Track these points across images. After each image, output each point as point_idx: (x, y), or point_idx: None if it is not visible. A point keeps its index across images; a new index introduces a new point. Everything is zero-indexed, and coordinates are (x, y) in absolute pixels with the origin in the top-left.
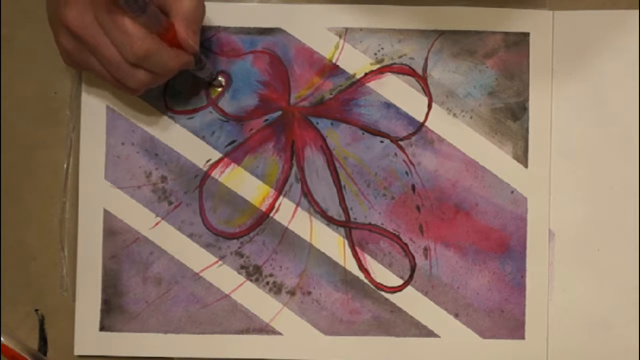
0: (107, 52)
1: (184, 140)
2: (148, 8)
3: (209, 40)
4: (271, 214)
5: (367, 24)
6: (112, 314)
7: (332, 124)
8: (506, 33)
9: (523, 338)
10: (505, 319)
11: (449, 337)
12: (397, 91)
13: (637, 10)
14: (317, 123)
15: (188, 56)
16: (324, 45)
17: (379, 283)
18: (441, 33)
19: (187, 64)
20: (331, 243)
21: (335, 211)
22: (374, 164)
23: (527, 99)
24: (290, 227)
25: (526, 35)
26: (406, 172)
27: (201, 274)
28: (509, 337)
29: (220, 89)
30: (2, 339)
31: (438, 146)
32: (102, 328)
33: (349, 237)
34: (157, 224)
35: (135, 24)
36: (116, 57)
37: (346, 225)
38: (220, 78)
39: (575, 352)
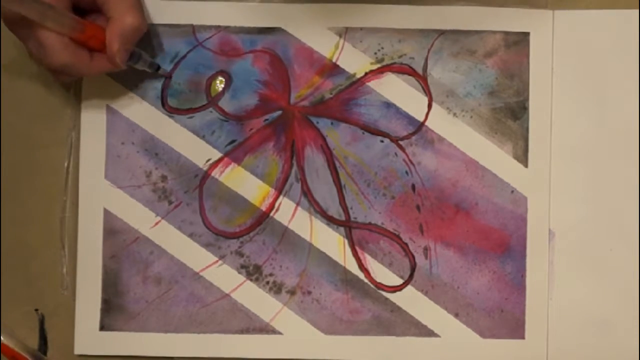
0: (30, 51)
1: (184, 139)
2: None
3: (209, 40)
4: (271, 214)
5: (367, 23)
6: (112, 313)
7: (332, 123)
8: (506, 33)
9: (523, 338)
10: (505, 318)
11: (449, 337)
12: (397, 91)
13: (637, 10)
14: (317, 122)
15: (112, 63)
16: (324, 45)
17: (379, 283)
18: (441, 33)
19: (112, 69)
20: (331, 243)
21: (335, 211)
22: (374, 163)
23: (527, 99)
24: (290, 227)
25: (526, 35)
26: (406, 172)
27: (201, 274)
28: (509, 337)
29: (221, 88)
30: (2, 338)
31: (438, 146)
32: (102, 327)
33: (349, 237)
34: (157, 223)
35: (53, 36)
36: (40, 60)
37: (346, 225)
38: (220, 78)
39: (575, 352)
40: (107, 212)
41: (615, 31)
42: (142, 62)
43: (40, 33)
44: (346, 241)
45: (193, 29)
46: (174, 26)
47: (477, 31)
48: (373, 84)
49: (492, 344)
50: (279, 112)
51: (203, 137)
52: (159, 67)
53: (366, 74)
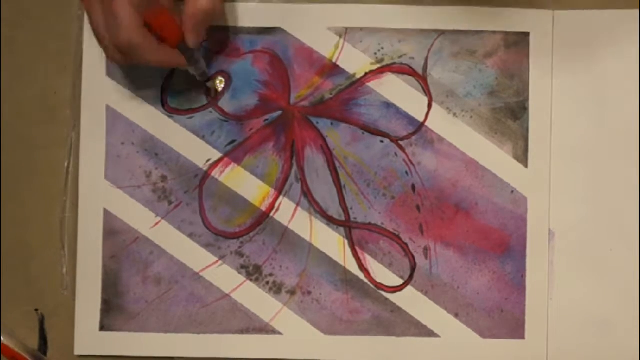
0: (96, 22)
1: (184, 140)
2: None
3: (209, 41)
4: (271, 214)
5: (367, 23)
6: (112, 313)
7: (332, 123)
8: (506, 33)
9: (523, 338)
10: (505, 318)
11: (449, 337)
12: (397, 91)
13: (637, 10)
14: (317, 123)
15: (175, 58)
16: (324, 45)
17: (379, 283)
18: (441, 33)
19: (175, 64)
20: (331, 243)
21: (335, 211)
22: (374, 163)
23: (527, 99)
24: (290, 227)
25: (526, 35)
26: (406, 172)
27: (201, 274)
28: (509, 337)
29: (221, 88)
30: (2, 338)
31: (438, 146)
32: (102, 328)
33: (349, 237)
34: (157, 223)
35: (129, 9)
36: (102, 30)
37: (346, 225)
38: (220, 78)
39: (575, 352)
40: (107, 213)
41: (615, 31)
42: (197, 66)
43: (119, 5)
44: (346, 241)
45: None
46: None
47: (477, 31)
48: (373, 84)
49: (492, 344)
50: (279, 113)
51: (203, 137)
52: (208, 79)
53: (366, 74)
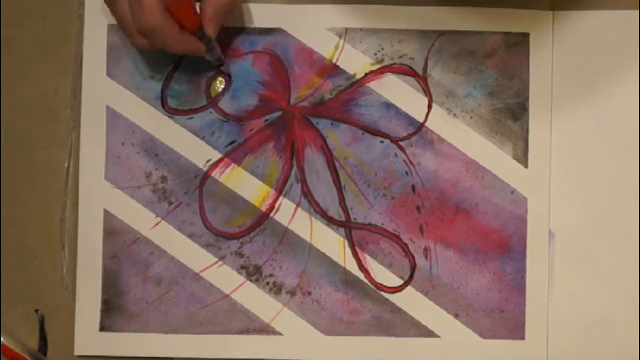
0: (121, 9)
1: (184, 140)
2: None
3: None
4: (271, 214)
5: (367, 24)
6: (112, 314)
7: (332, 124)
8: (506, 33)
9: (523, 338)
10: (505, 319)
11: (449, 337)
12: (397, 91)
13: (637, 10)
14: (317, 123)
15: (194, 44)
16: (324, 46)
17: (379, 283)
18: (441, 33)
19: (194, 51)
20: (331, 243)
21: (335, 211)
22: (374, 164)
23: (527, 99)
24: (290, 227)
25: (526, 35)
26: (406, 172)
27: (201, 274)
28: (509, 337)
29: (221, 89)
30: (2, 339)
31: (438, 146)
32: (102, 328)
33: (349, 237)
34: (157, 224)
35: None
36: (127, 17)
37: (346, 226)
38: (220, 79)
39: (575, 352)
40: (107, 213)
41: (615, 31)
42: (213, 52)
43: None
44: (346, 242)
45: None
46: None
47: (477, 32)
48: (373, 84)
49: (492, 345)
50: (279, 113)
51: (203, 138)
52: (222, 64)
53: (366, 74)
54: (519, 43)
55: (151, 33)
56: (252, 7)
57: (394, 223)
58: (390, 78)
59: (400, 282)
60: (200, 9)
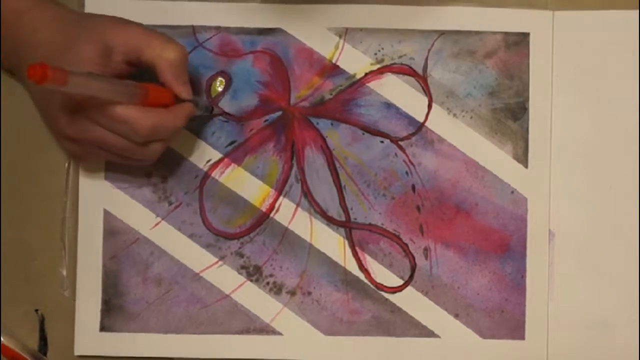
0: (114, 142)
1: (184, 140)
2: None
3: (209, 41)
4: (271, 214)
5: (367, 24)
6: (113, 314)
7: (332, 124)
8: (506, 33)
9: (523, 338)
10: (505, 319)
11: (449, 337)
12: (397, 91)
13: (637, 10)
14: (317, 123)
15: (186, 107)
16: (324, 46)
17: (379, 283)
18: (441, 33)
19: (190, 113)
20: (331, 243)
21: (335, 211)
22: (374, 164)
23: (527, 99)
24: (291, 227)
25: (526, 35)
26: (406, 172)
27: (201, 274)
28: (509, 337)
29: (221, 89)
30: (2, 339)
31: (438, 146)
32: (103, 328)
33: (349, 237)
34: (157, 224)
35: (127, 107)
36: (124, 143)
37: (346, 226)
38: (220, 79)
39: (575, 352)
40: (107, 213)
41: (615, 31)
42: (199, 106)
43: (118, 110)
44: (346, 242)
45: (193, 30)
46: (174, 27)
47: (477, 32)
48: (373, 84)
49: (492, 345)
50: (279, 113)
51: (203, 138)
52: (212, 109)
53: (366, 74)
54: (519, 43)
55: (154, 132)
56: (252, 7)
57: (394, 223)
58: (390, 78)
59: (400, 282)
60: (160, 81)
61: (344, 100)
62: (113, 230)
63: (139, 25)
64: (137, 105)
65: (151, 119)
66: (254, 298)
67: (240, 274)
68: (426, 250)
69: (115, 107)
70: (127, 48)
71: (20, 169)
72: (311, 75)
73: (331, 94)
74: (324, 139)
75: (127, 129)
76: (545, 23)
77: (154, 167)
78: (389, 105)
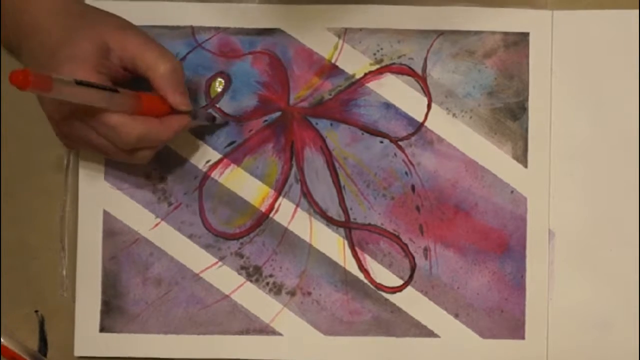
0: (102, 145)
1: (183, 141)
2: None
3: (209, 42)
4: (271, 215)
5: (366, 24)
6: (112, 315)
7: (331, 124)
8: (506, 33)
9: (523, 338)
10: (505, 319)
11: (449, 337)
12: (397, 91)
13: (637, 10)
14: (317, 123)
15: (180, 119)
16: (323, 46)
17: (379, 283)
18: (440, 33)
19: (185, 125)
20: (331, 243)
21: (335, 211)
22: (374, 164)
23: (526, 99)
24: (290, 228)
25: (526, 35)
26: (406, 173)
27: (201, 275)
28: (509, 337)
29: (220, 90)
30: (2, 339)
31: (438, 146)
32: (102, 329)
33: (348, 238)
34: (157, 224)
35: (116, 114)
36: (112, 148)
37: (346, 226)
38: (219, 80)
39: (575, 352)
40: (106, 214)
41: (615, 31)
42: (199, 119)
43: (105, 117)
44: (346, 242)
45: (192, 31)
46: (173, 28)
47: (477, 31)
48: (372, 84)
49: (492, 344)
50: (279, 113)
51: (203, 139)
52: (214, 118)
53: (365, 74)
54: (519, 43)
55: (140, 140)
56: (252, 7)
57: (393, 223)
58: (389, 78)
59: (400, 282)
60: (155, 90)
61: (343, 100)
62: (113, 230)
63: (139, 33)
64: (127, 113)
65: (139, 128)
66: (253, 298)
67: (240, 274)
68: (426, 250)
69: (105, 112)
70: (123, 55)
71: (20, 169)
72: (310, 75)
73: (330, 94)
74: (323, 139)
75: (114, 135)
76: (544, 23)
77: (154, 167)
78: (388, 106)
